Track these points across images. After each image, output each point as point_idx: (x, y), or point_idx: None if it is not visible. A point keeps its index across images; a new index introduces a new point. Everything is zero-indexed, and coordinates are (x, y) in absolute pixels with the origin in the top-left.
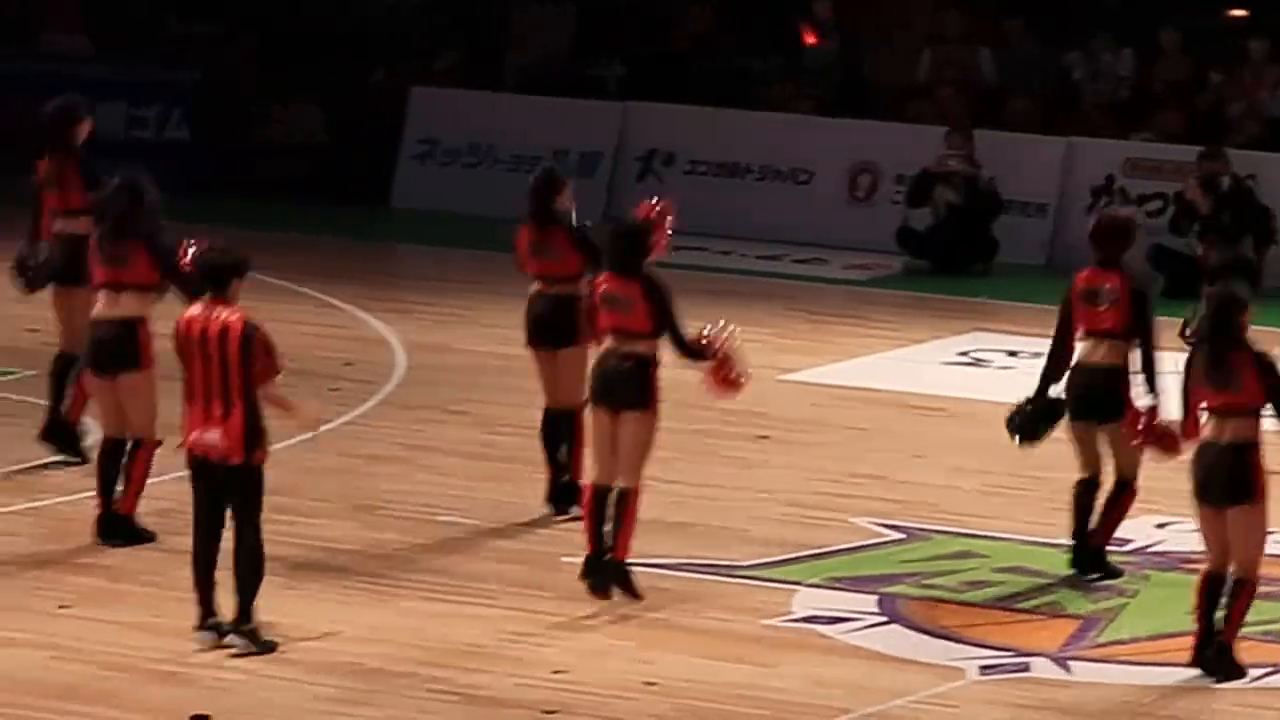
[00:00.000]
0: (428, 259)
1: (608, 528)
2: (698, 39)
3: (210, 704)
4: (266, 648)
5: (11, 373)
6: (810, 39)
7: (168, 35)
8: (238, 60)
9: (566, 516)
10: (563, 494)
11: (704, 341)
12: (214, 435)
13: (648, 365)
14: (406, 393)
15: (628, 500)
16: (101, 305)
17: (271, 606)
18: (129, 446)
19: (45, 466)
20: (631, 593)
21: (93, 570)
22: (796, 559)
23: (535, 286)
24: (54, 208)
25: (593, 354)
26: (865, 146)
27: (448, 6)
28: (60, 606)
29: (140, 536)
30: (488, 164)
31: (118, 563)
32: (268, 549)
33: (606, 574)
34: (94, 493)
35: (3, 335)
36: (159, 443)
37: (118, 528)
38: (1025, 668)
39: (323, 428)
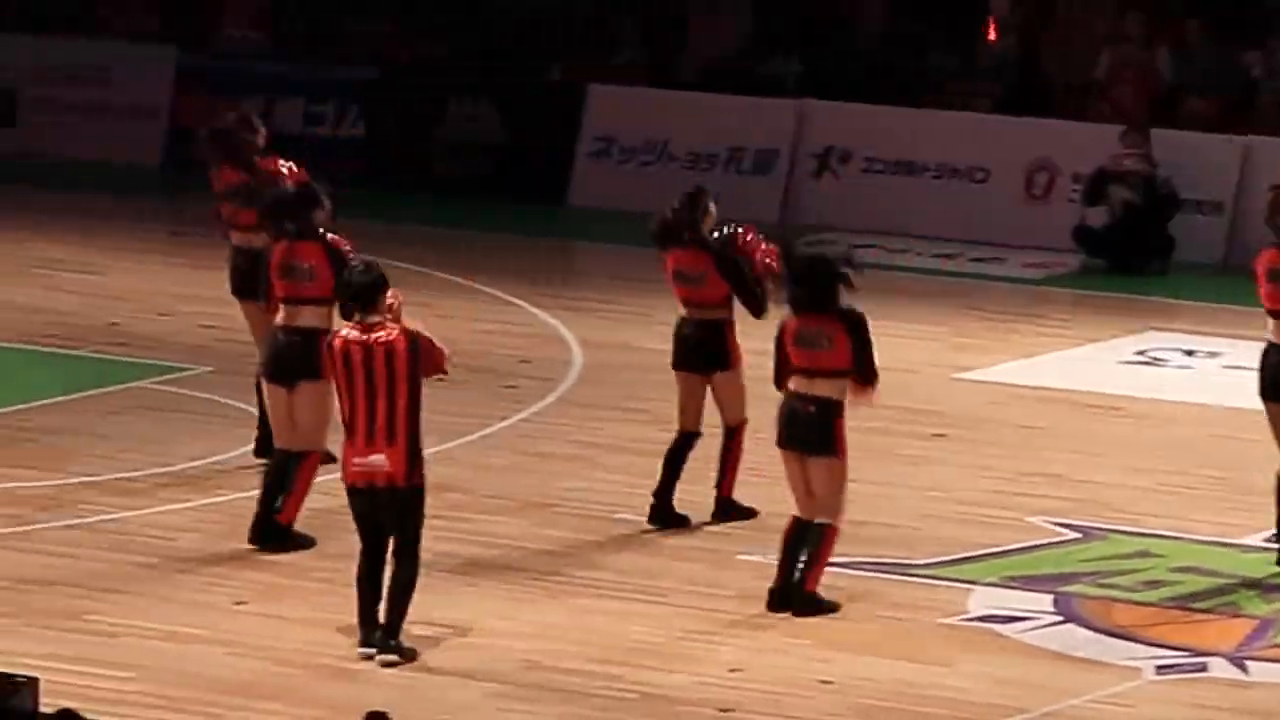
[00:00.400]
0: (604, 257)
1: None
2: (875, 36)
3: (384, 701)
4: (410, 657)
5: (189, 369)
6: (993, 34)
7: (346, 32)
8: (415, 57)
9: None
10: (722, 509)
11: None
12: (379, 458)
13: (832, 411)
14: (582, 391)
15: (825, 535)
16: (283, 316)
17: (445, 603)
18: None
19: (222, 463)
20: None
21: (269, 566)
22: (972, 558)
23: (682, 311)
24: (230, 220)
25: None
26: (1042, 145)
27: (626, 3)
28: (237, 603)
29: (297, 543)
30: (664, 161)
31: (293, 559)
32: (443, 545)
33: (792, 602)
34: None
35: (182, 332)
36: (326, 455)
37: (274, 534)
38: (1202, 668)
39: (498, 425)
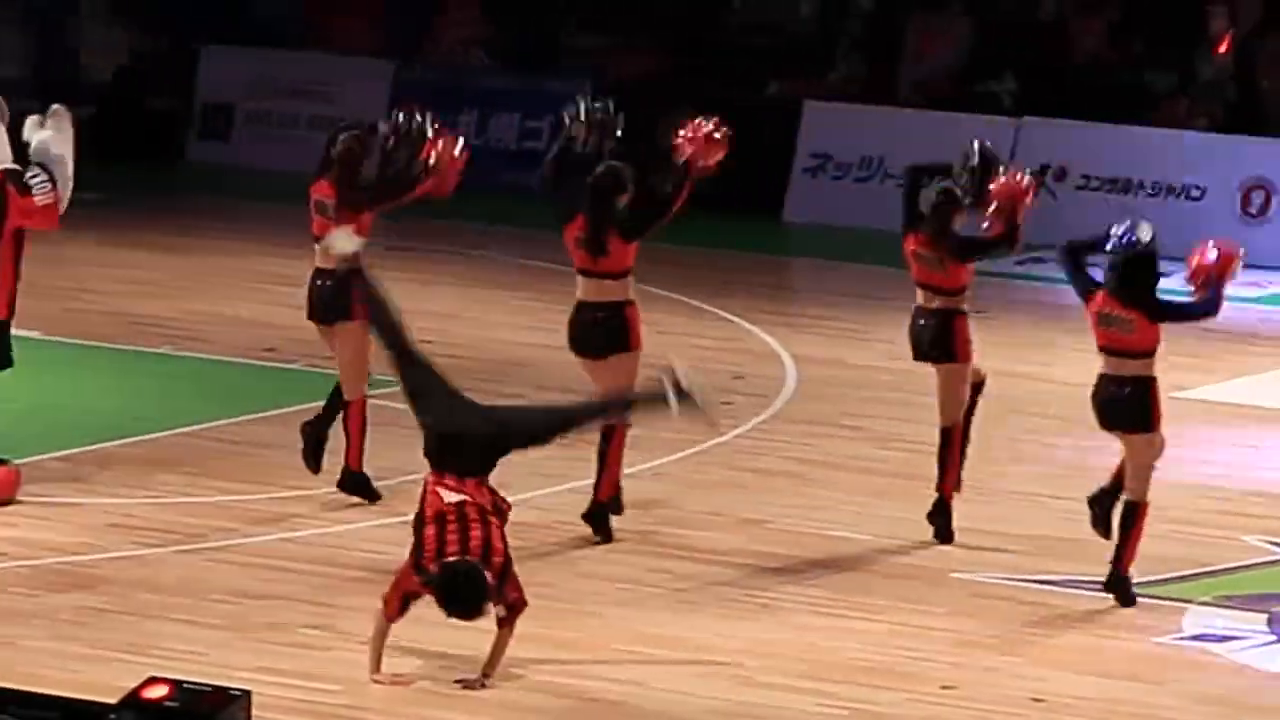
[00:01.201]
0: (819, 273)
1: None
2: (1092, 55)
3: (601, 715)
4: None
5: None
6: (1221, 48)
7: (564, 47)
8: (633, 73)
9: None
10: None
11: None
12: None
13: (1146, 386)
14: (797, 407)
15: (1136, 513)
16: (582, 290)
17: (659, 619)
18: None
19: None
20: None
21: None
22: (1187, 576)
23: (919, 299)
24: (318, 236)
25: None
26: (1259, 164)
27: (843, 20)
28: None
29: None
30: (879, 178)
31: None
32: (657, 561)
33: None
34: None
35: None
36: None
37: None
38: None
39: (713, 441)
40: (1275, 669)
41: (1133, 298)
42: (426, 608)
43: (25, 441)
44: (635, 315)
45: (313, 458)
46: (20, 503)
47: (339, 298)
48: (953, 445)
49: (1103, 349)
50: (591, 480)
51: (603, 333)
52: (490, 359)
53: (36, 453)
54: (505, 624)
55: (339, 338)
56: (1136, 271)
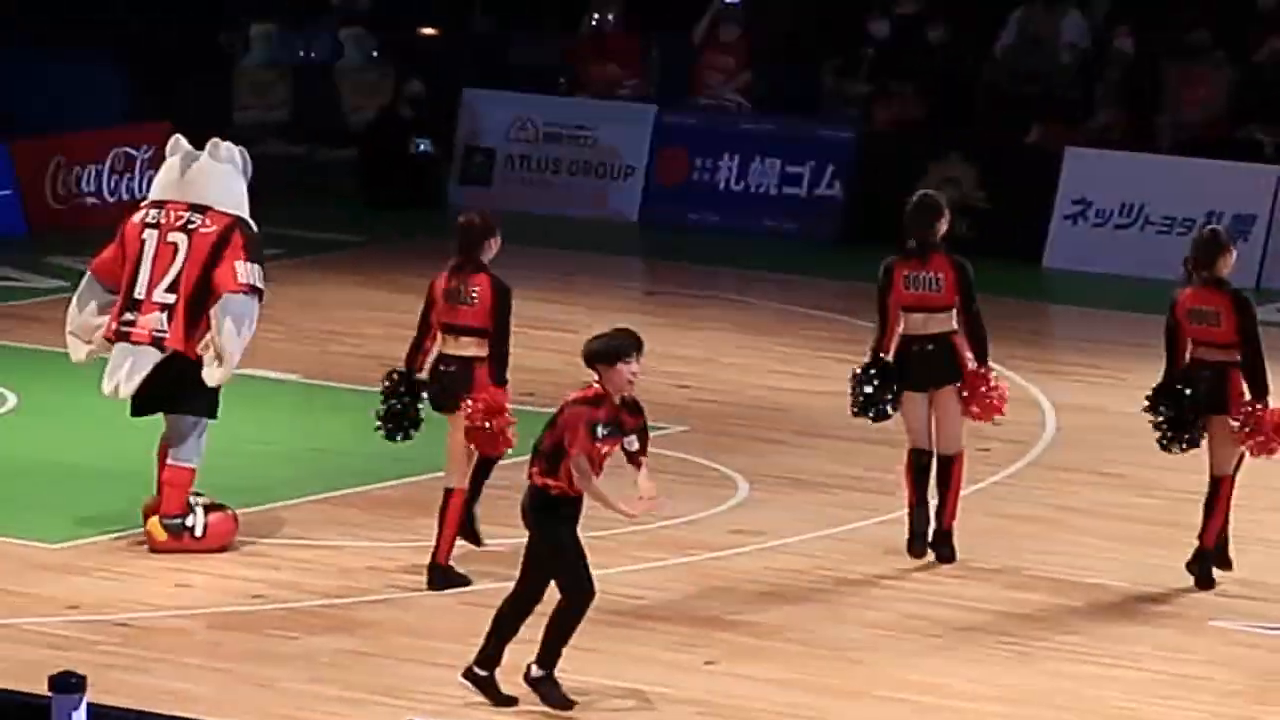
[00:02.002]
0: (1080, 319)
1: None
2: None
3: None
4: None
5: (665, 428)
6: None
7: (825, 93)
8: (895, 120)
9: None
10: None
11: None
12: None
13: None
14: (1056, 454)
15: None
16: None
17: (924, 666)
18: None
19: (695, 522)
20: None
21: (740, 627)
22: None
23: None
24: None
25: None
26: None
27: (1103, 68)
28: (706, 662)
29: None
30: (1140, 225)
31: (766, 619)
32: (914, 607)
33: None
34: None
35: (659, 391)
36: None
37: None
38: None
39: (972, 488)
40: None
41: None
42: None
43: (284, 485)
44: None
45: (470, 535)
46: (281, 544)
47: (457, 385)
48: (1221, 496)
49: None
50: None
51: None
52: (750, 404)
53: (296, 496)
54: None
55: (452, 424)
56: None
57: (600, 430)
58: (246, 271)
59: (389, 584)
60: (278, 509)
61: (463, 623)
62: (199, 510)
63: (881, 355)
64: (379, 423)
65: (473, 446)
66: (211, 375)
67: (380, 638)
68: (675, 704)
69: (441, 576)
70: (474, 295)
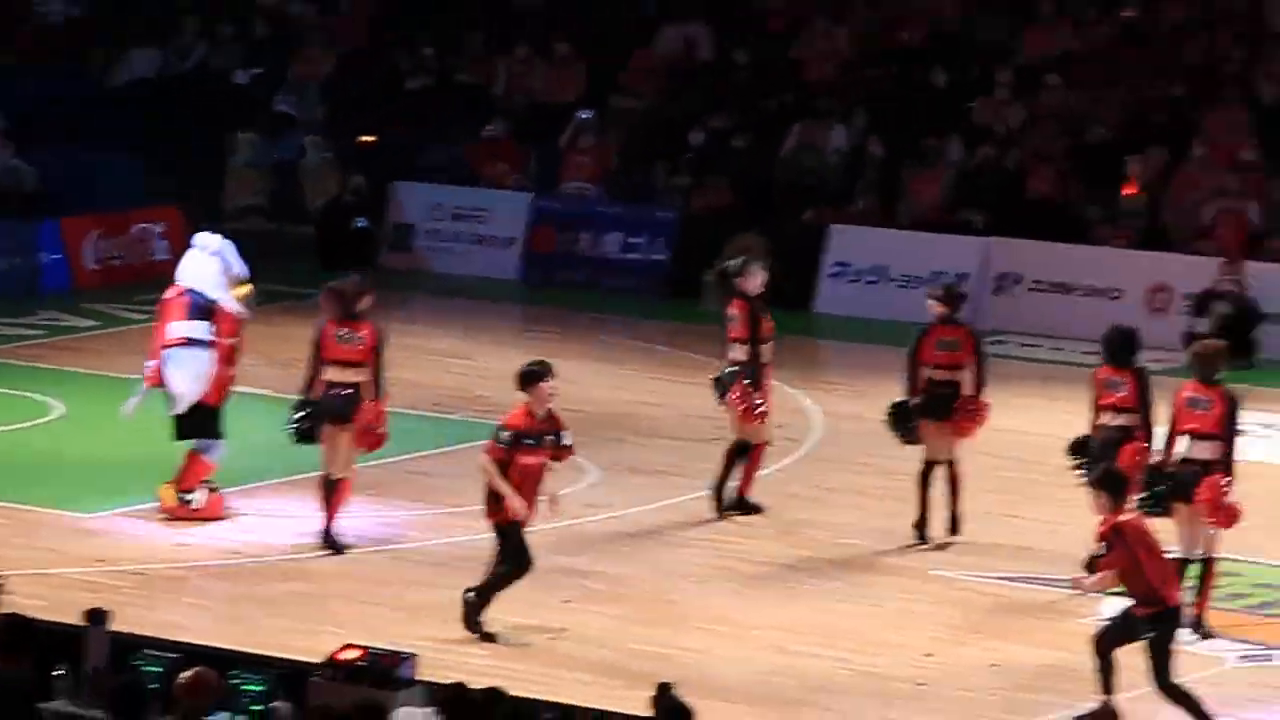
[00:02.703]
0: (840, 351)
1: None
2: (1043, 193)
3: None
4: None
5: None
6: (1130, 189)
7: (658, 186)
8: (708, 204)
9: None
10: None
11: None
12: None
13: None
14: (822, 449)
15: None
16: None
17: (724, 604)
18: None
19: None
20: None
21: (590, 575)
22: None
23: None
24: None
25: None
26: (1162, 272)
27: (860, 167)
28: (564, 600)
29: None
30: (885, 281)
31: (609, 570)
32: (719, 561)
33: None
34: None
35: None
36: None
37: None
38: (1269, 659)
39: (760, 473)
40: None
41: None
42: None
43: (259, 471)
44: None
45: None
46: (254, 515)
47: (351, 403)
48: (954, 480)
49: None
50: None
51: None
52: (601, 413)
53: (266, 479)
54: None
55: (344, 432)
56: None
57: (519, 439)
58: (179, 329)
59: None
60: (254, 488)
61: (386, 573)
62: (203, 490)
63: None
64: (294, 432)
65: (363, 445)
66: (172, 406)
67: (325, 583)
68: (540, 632)
69: (330, 542)
70: (360, 337)
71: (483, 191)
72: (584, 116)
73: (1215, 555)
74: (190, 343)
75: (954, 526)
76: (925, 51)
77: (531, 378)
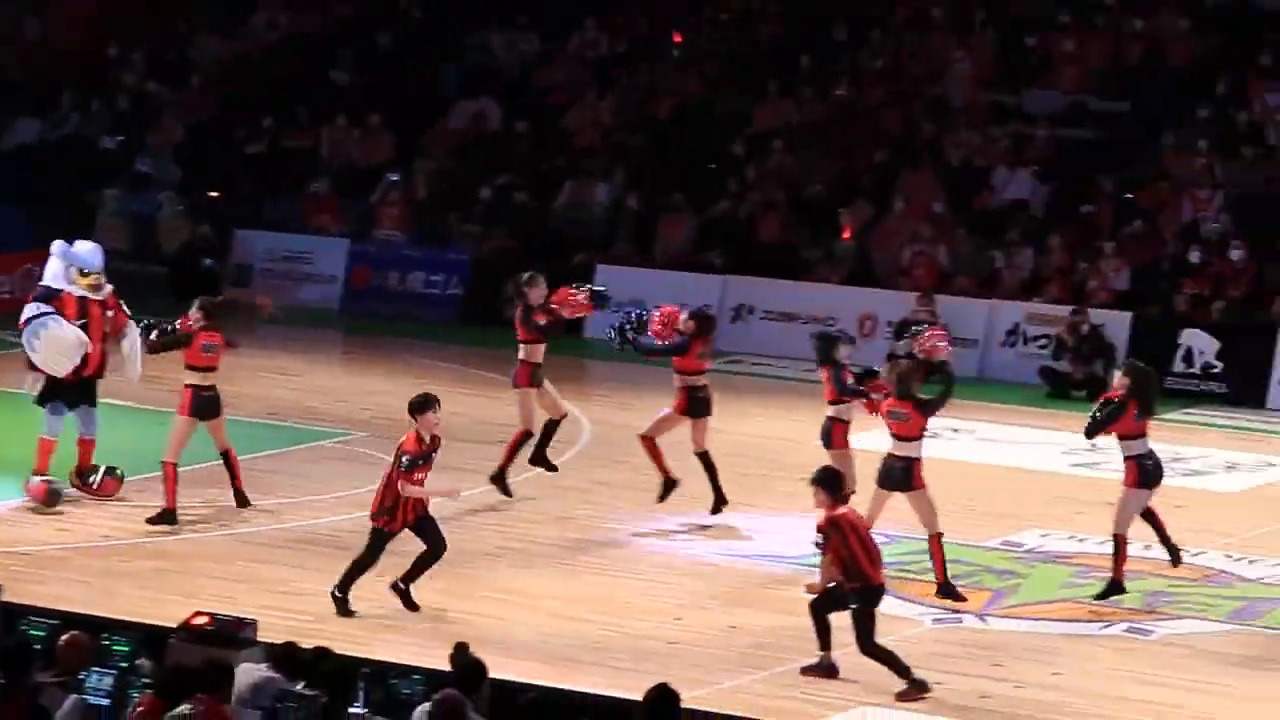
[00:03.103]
0: (607, 369)
1: None
2: (771, 238)
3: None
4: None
5: (351, 434)
6: (843, 236)
7: (453, 232)
8: (494, 248)
9: None
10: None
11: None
12: None
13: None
14: (592, 449)
15: None
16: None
17: (511, 576)
18: None
19: (370, 491)
20: None
21: (400, 553)
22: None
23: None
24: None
25: None
26: (869, 304)
27: (621, 215)
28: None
29: None
30: (645, 310)
31: (416, 547)
32: (504, 542)
33: None
34: None
35: (350, 412)
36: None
37: None
38: (959, 620)
39: (524, 475)
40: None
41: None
42: None
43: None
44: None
45: None
46: (123, 503)
47: (218, 402)
48: (655, 452)
49: None
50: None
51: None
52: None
53: (134, 475)
54: None
55: (206, 425)
56: None
57: (412, 461)
58: (23, 315)
59: (188, 528)
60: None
61: (232, 552)
62: (101, 471)
63: None
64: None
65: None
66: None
67: (183, 561)
68: (362, 601)
69: (168, 517)
70: (218, 347)
71: (309, 238)
72: (392, 178)
73: (938, 531)
74: (28, 322)
75: (717, 507)
76: (674, 122)
77: (420, 407)
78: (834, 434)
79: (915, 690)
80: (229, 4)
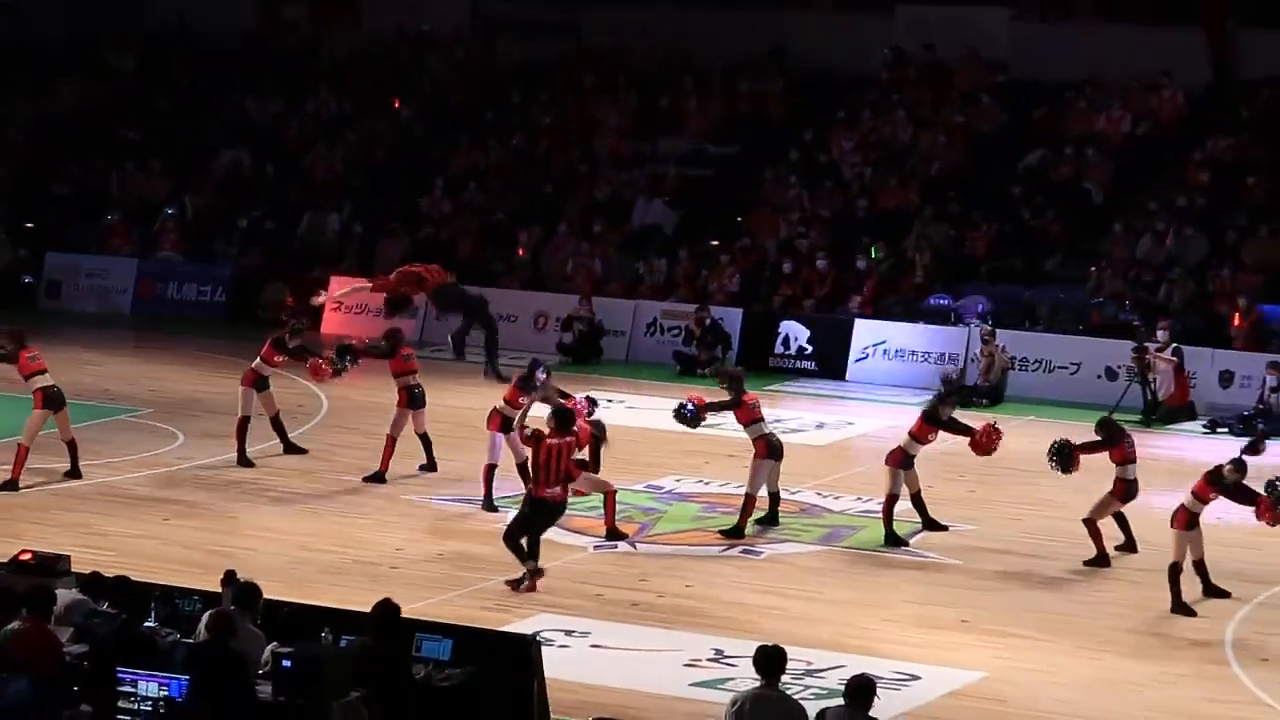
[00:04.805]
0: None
1: None
2: (466, 256)
3: None
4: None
5: (140, 410)
6: (520, 252)
7: (218, 251)
8: (251, 264)
9: None
10: None
11: None
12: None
13: None
14: (330, 419)
15: None
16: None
17: (262, 517)
18: None
19: (156, 455)
20: None
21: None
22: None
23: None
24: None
25: None
26: (542, 304)
27: (350, 238)
28: (164, 519)
29: None
30: (367, 313)
31: (194, 499)
32: (263, 490)
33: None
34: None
35: (139, 392)
36: None
37: None
38: (615, 547)
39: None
40: (553, 537)
41: None
42: None
43: None
44: None
45: None
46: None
47: (63, 395)
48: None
49: None
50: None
51: None
52: (189, 399)
53: None
54: None
55: (54, 416)
56: None
57: None
58: None
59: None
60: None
61: (51, 503)
62: None
63: None
64: None
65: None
66: None
67: (12, 510)
68: (149, 539)
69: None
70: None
71: (105, 258)
72: (169, 210)
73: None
74: None
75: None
76: (389, 165)
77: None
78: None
79: (530, 578)
80: (38, 73)
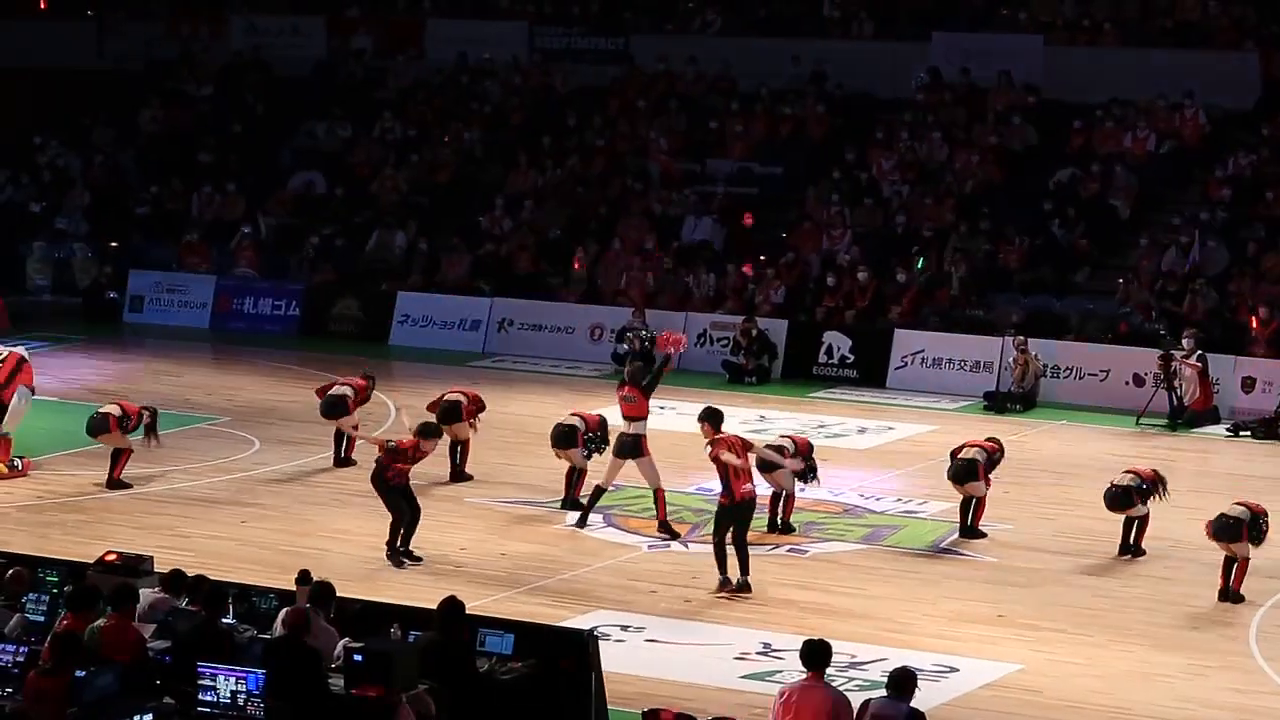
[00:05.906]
0: (409, 370)
1: None
2: (526, 269)
3: None
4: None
5: (218, 418)
6: (577, 266)
7: (291, 270)
8: (323, 280)
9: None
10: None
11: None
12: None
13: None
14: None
15: None
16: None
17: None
18: None
19: (233, 460)
20: None
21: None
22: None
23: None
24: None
25: None
26: (598, 317)
27: (416, 255)
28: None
29: None
30: (432, 326)
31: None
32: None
33: None
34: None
35: (218, 402)
36: None
37: None
38: (667, 546)
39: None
40: (603, 536)
41: None
42: None
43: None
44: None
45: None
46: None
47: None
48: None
49: None
50: None
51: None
52: (264, 406)
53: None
54: None
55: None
56: None
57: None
58: None
59: (101, 490)
60: (47, 459)
61: (131, 507)
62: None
63: None
64: None
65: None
66: None
67: (98, 514)
68: (227, 540)
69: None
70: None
71: (185, 275)
72: (245, 229)
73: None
74: None
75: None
76: (452, 186)
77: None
78: None
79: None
80: (121, 101)
